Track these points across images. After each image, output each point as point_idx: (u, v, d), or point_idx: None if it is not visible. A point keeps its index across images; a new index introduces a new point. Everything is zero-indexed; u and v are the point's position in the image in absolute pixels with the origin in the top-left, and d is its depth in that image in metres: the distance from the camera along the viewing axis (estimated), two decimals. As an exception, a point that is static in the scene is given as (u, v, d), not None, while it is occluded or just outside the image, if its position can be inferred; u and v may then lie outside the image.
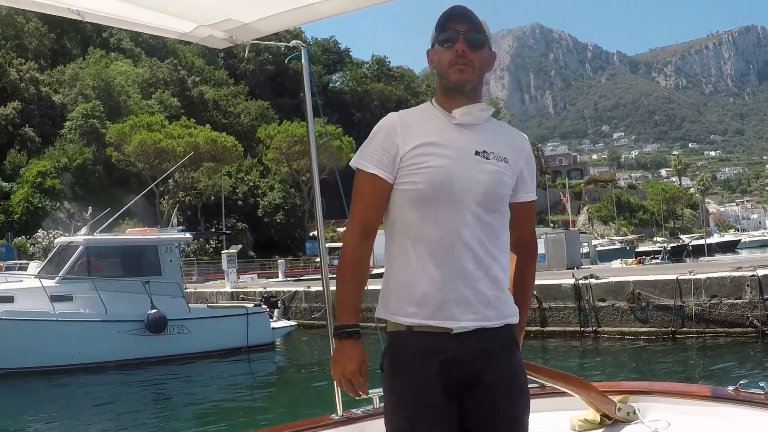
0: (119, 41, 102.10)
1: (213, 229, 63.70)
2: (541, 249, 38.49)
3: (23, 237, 59.72)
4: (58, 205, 64.99)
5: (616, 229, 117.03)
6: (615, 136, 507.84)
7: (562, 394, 4.07)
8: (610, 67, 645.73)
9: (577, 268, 35.65)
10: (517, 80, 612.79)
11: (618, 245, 75.11)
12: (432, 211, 2.62)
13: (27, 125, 73.24)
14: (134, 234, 23.32)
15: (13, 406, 16.42)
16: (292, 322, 25.09)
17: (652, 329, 21.01)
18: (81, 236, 21.50)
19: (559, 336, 22.36)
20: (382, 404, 3.44)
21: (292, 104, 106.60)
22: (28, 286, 19.76)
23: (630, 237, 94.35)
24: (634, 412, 4.06)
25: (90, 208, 42.60)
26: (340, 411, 3.97)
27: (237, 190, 74.39)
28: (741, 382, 3.98)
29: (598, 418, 4.02)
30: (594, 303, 22.20)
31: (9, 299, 18.98)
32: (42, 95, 77.49)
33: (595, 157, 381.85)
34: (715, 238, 77.44)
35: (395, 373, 2.66)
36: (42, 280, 19.42)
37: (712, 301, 20.22)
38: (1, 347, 18.03)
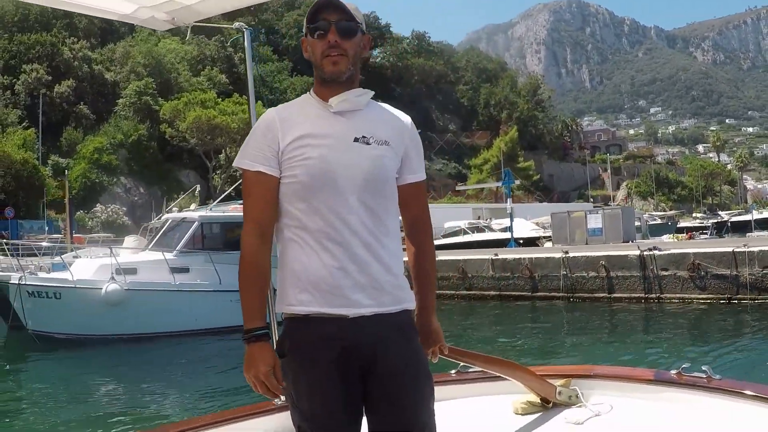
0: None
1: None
2: (598, 223, 39.87)
3: (82, 211, 61.31)
4: (114, 180, 66.54)
5: (655, 204, 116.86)
6: (652, 111, 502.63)
7: (505, 378, 4.08)
8: (647, 42, 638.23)
9: (632, 242, 36.85)
10: (553, 54, 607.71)
11: (659, 221, 75.51)
12: (316, 202, 2.66)
13: (81, 103, 74.85)
14: (239, 210, 24.46)
15: (143, 364, 18.14)
16: None
17: (710, 296, 23.16)
18: (195, 212, 23.01)
19: (625, 301, 24.33)
20: None
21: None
22: (148, 258, 21.14)
23: (670, 213, 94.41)
24: (577, 396, 4.11)
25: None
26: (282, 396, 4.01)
27: (286, 165, 75.88)
28: (684, 365, 4.07)
29: (539, 400, 4.09)
30: (657, 272, 24.26)
31: (133, 271, 20.40)
32: (95, 73, 79.07)
33: (632, 132, 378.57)
34: (755, 215, 77.48)
35: (294, 361, 2.67)
36: (159, 254, 20.92)
37: (764, 271, 22.35)
38: (128, 314, 19.51)
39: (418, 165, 2.88)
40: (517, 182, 71.43)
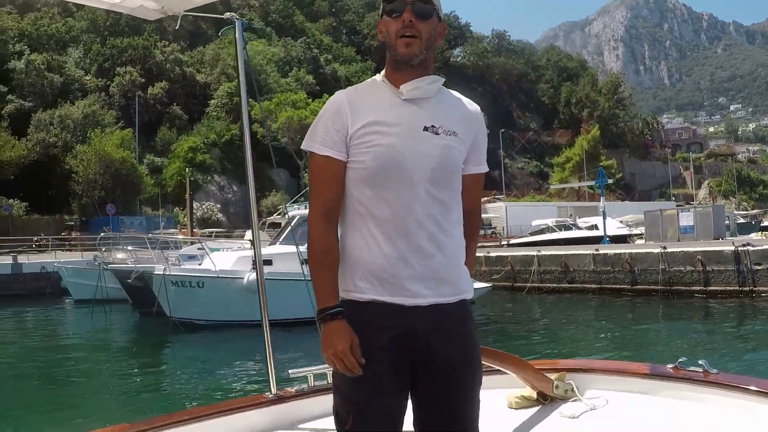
0: (250, 20, 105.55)
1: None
2: (690, 221, 40.38)
3: (178, 208, 63.33)
4: (208, 178, 68.44)
5: (736, 203, 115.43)
6: (732, 108, 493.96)
7: (499, 371, 4.06)
8: (726, 38, 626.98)
9: (722, 239, 37.26)
10: (631, 51, 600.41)
11: (742, 219, 74.95)
12: (383, 190, 2.63)
13: (174, 104, 77.15)
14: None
15: (276, 349, 19.04)
16: (487, 284, 27.50)
17: (803, 289, 24.42)
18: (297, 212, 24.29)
19: (719, 296, 25.40)
20: (316, 383, 3.86)
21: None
22: (280, 251, 22.44)
23: (753, 211, 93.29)
24: (572, 390, 4.10)
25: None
26: (274, 389, 3.98)
27: (374, 163, 77.37)
28: (680, 359, 4.03)
29: (534, 395, 4.06)
30: (751, 266, 25.27)
31: (269, 262, 21.69)
32: (186, 75, 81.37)
33: (711, 129, 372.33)
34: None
35: None
36: (294, 246, 22.28)
37: None
38: (269, 302, 20.74)
39: (482, 157, 2.87)
40: (610, 181, 71.56)
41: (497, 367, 3.99)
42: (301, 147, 2.78)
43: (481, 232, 62.16)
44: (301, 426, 3.83)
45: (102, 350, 20.59)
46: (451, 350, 2.65)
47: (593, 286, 29.88)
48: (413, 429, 2.76)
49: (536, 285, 31.74)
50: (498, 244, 53.20)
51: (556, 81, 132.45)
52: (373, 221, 2.63)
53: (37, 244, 49.88)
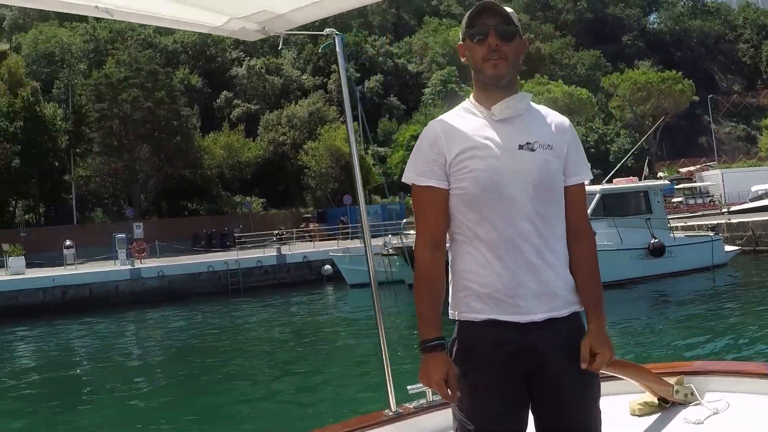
0: (448, 7, 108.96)
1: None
2: None
3: (407, 194, 67.32)
4: (437, 164, 72.30)
5: None
6: None
7: (620, 378, 4.02)
8: None
9: None
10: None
11: None
12: (487, 211, 2.69)
13: (390, 95, 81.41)
14: (623, 183, 29.01)
15: (399, 363, 22.10)
16: (736, 248, 30.62)
17: None
18: (596, 186, 27.54)
19: None
20: (434, 398, 3.88)
21: (614, 50, 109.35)
22: None
23: None
24: (692, 393, 4.04)
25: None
26: (393, 407, 3.98)
27: (588, 139, 79.12)
28: None
29: (656, 400, 4.04)
30: None
31: None
32: (399, 67, 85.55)
33: None
34: None
35: (463, 363, 2.73)
36: None
37: None
38: None
39: (577, 167, 2.87)
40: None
41: (617, 375, 3.96)
42: (403, 179, 2.83)
43: (699, 200, 63.71)
44: None
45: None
46: (568, 363, 2.70)
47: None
48: None
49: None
50: (719, 211, 54.21)
51: (756, 39, 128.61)
52: (481, 243, 2.70)
53: (278, 237, 52.51)
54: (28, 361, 22.19)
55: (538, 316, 2.68)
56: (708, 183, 67.80)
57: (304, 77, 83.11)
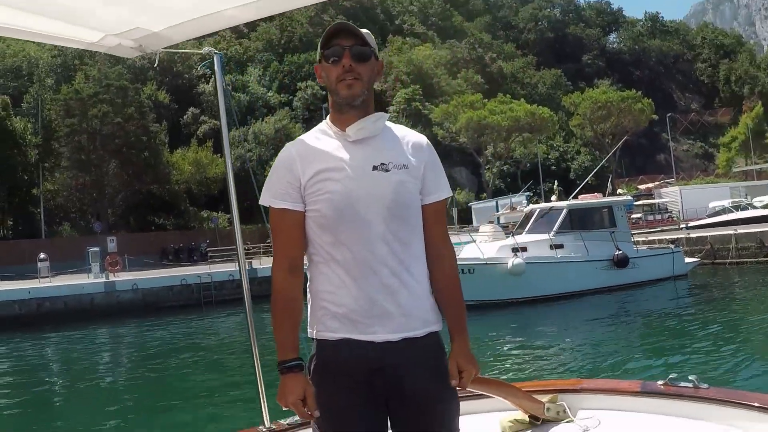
0: (412, 26, 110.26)
1: (529, 193, 69.71)
2: None
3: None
4: (396, 181, 73.34)
5: None
6: None
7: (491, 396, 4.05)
8: None
9: None
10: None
11: None
12: (341, 234, 2.69)
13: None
14: (588, 199, 30.25)
15: (537, 324, 23.68)
16: (695, 259, 32.22)
17: None
18: (563, 202, 29.21)
19: None
20: None
21: (575, 69, 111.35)
22: (530, 239, 27.30)
23: None
24: (564, 411, 4.08)
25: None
26: (267, 423, 3.98)
27: (549, 157, 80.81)
28: (671, 376, 4.07)
29: (527, 418, 4.04)
30: None
31: (524, 248, 26.49)
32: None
33: None
34: None
35: (320, 381, 2.73)
36: (540, 235, 27.10)
37: None
38: (525, 282, 25.72)
39: (436, 185, 2.87)
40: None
41: (487, 394, 4.01)
42: (260, 203, 2.82)
43: (658, 216, 65.25)
44: None
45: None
46: (424, 382, 2.72)
47: (788, 259, 33.45)
48: None
49: (735, 260, 35.45)
50: (677, 227, 55.62)
51: (714, 59, 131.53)
52: (336, 264, 2.71)
53: (247, 251, 53.75)
54: (7, 372, 22.36)
55: (394, 336, 2.71)
56: (666, 200, 69.29)
57: (270, 94, 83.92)
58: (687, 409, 3.85)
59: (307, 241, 2.80)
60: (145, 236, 59.22)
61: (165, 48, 3.76)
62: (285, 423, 3.96)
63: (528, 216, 29.80)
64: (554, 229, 27.62)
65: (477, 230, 32.65)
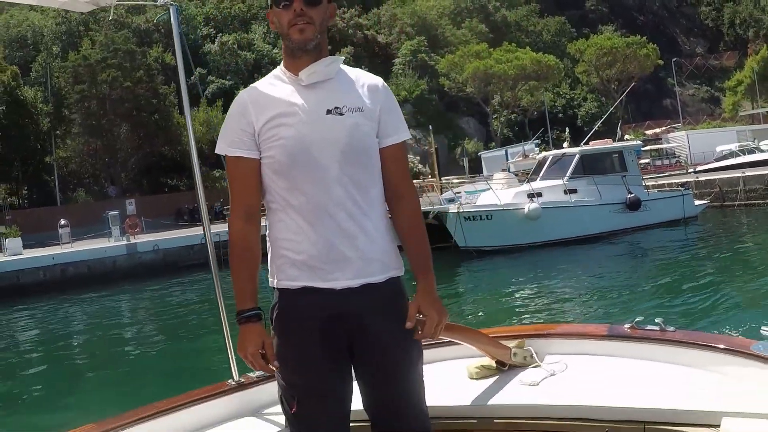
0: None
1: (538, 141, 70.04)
2: None
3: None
4: (406, 133, 73.67)
5: None
6: None
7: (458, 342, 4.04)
8: None
9: None
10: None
11: None
12: (297, 179, 2.69)
13: (362, 66, 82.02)
14: (599, 145, 30.86)
15: (553, 267, 24.09)
16: (704, 201, 32.96)
17: None
18: (575, 149, 30.12)
19: None
20: None
21: (578, 16, 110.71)
22: (545, 185, 27.97)
23: None
24: (531, 356, 4.06)
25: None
26: (236, 376, 3.99)
27: (556, 104, 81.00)
28: (637, 319, 4.08)
29: (494, 364, 4.02)
30: None
31: (539, 194, 27.10)
32: (368, 38, 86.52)
33: None
34: None
35: (283, 330, 2.75)
36: (554, 180, 27.73)
37: None
38: (541, 227, 26.44)
39: (393, 127, 2.86)
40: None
41: (451, 340, 4.01)
42: (215, 151, 2.81)
43: (666, 161, 65.57)
44: (265, 411, 3.87)
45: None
46: (385, 328, 2.75)
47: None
48: (363, 409, 2.87)
49: (743, 203, 36.16)
50: (684, 171, 56.32)
51: (718, 2, 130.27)
52: (293, 210, 2.72)
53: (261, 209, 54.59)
54: (39, 337, 22.94)
55: (354, 282, 2.71)
56: (674, 144, 69.46)
57: (275, 51, 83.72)
58: (653, 352, 3.86)
59: (264, 188, 2.82)
60: (159, 198, 59.66)
61: (119, 1, 3.75)
62: (254, 376, 3.95)
63: (541, 163, 30.54)
64: (567, 174, 28.35)
65: (491, 178, 33.14)
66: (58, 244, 39.84)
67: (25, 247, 38.66)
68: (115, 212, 41.56)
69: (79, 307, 28.52)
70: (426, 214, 27.40)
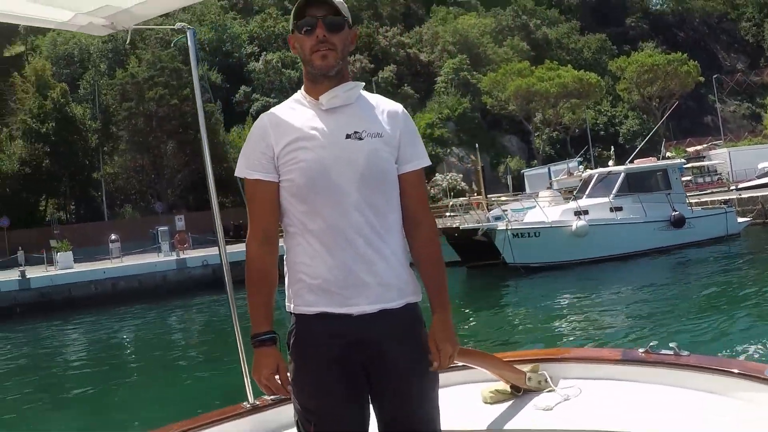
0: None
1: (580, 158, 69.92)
2: None
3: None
4: (448, 151, 73.97)
5: None
6: None
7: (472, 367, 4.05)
8: None
9: None
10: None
11: None
12: (316, 203, 2.68)
13: (404, 84, 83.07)
14: (643, 163, 31.33)
15: (600, 283, 24.49)
16: (748, 219, 33.26)
17: None
18: (621, 167, 30.43)
19: None
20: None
21: (619, 33, 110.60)
22: (591, 203, 28.45)
23: None
24: (546, 380, 4.05)
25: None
26: (251, 399, 4.01)
27: (597, 122, 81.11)
28: (651, 343, 4.07)
29: (508, 388, 4.03)
30: None
31: (585, 212, 27.57)
32: (411, 56, 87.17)
33: None
34: None
35: (300, 355, 2.73)
36: (599, 198, 28.19)
37: None
38: (588, 243, 26.95)
39: (413, 154, 2.86)
40: None
41: (467, 365, 4.02)
42: (235, 174, 2.83)
43: (708, 178, 65.40)
44: None
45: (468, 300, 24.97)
46: (403, 354, 2.74)
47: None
48: None
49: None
50: (726, 189, 56.13)
51: (758, 18, 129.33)
52: (311, 234, 2.71)
53: None
54: (89, 349, 23.51)
55: (371, 308, 2.70)
56: (715, 161, 69.21)
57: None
58: (667, 377, 3.83)
59: (282, 212, 2.80)
60: (205, 214, 59.95)
61: (137, 24, 3.77)
62: (269, 399, 3.94)
63: (587, 181, 31.04)
64: (613, 192, 28.82)
65: (537, 196, 33.55)
66: (107, 259, 40.68)
67: (74, 261, 39.48)
68: (165, 228, 42.42)
69: (129, 321, 29.21)
70: (475, 231, 27.93)
